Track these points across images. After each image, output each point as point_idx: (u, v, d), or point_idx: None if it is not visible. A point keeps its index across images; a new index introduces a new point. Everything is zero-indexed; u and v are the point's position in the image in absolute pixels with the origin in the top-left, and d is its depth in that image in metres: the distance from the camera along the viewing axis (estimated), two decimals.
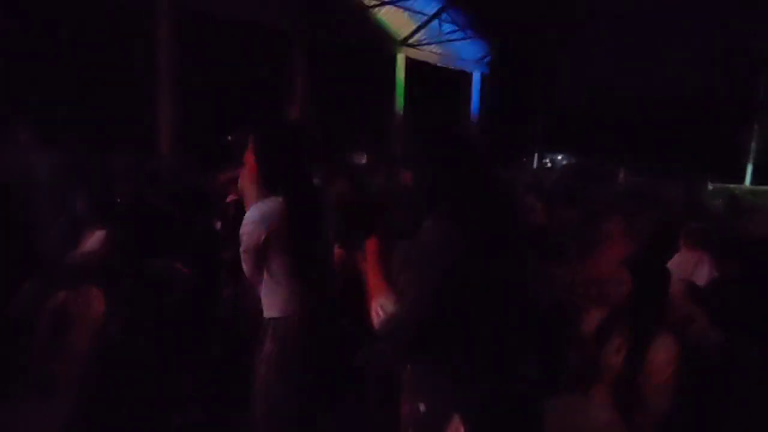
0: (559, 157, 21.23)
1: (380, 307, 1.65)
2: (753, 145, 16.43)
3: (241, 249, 2.37)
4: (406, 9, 11.66)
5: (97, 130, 8.68)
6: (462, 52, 13.73)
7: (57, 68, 9.08)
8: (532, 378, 1.72)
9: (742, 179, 16.64)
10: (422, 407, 1.71)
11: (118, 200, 4.36)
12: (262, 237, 2.29)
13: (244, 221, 2.35)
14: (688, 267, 4.13)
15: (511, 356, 1.66)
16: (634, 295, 2.39)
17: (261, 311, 2.65)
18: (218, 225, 5.14)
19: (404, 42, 12.66)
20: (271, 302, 2.43)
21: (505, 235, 1.65)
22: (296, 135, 2.51)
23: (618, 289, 2.42)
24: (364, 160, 12.26)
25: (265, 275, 2.42)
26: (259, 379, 2.43)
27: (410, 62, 13.31)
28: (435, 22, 11.97)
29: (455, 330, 1.55)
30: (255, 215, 2.32)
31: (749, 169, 16.87)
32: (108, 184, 4.67)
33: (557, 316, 2.93)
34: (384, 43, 12.58)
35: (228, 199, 6.00)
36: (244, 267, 2.42)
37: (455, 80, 16.12)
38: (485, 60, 14.45)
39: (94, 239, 3.35)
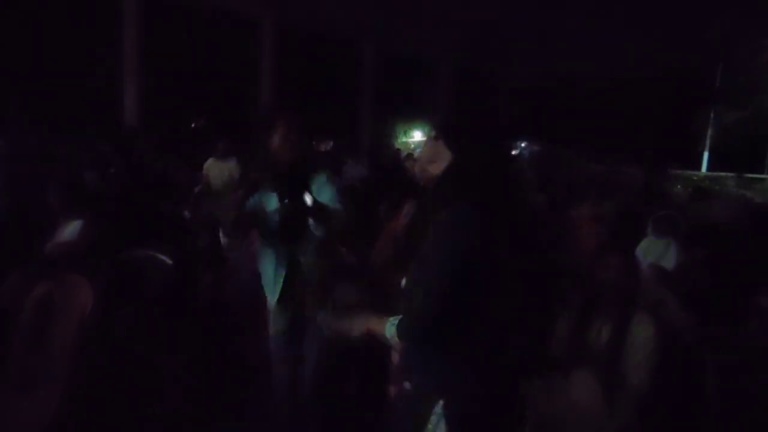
0: (523, 144, 21.43)
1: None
2: (709, 132, 16.83)
3: None
4: None
5: (61, 116, 8.45)
6: (430, 40, 13.72)
7: (19, 52, 8.80)
8: (517, 363, 1.76)
9: (698, 166, 17.08)
10: (407, 386, 1.74)
11: (93, 189, 4.29)
12: None
13: None
14: (657, 252, 4.27)
15: (501, 341, 1.70)
16: (618, 277, 2.47)
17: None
18: (186, 214, 5.10)
19: (372, 29, 12.62)
20: None
21: (518, 224, 1.69)
22: None
23: (606, 273, 2.50)
24: (329, 147, 12.21)
25: None
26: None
27: (378, 49, 13.29)
28: (404, 10, 11.90)
29: (454, 312, 1.57)
30: None
31: (705, 156, 17.33)
32: (80, 173, 4.58)
33: (537, 299, 3.01)
34: (352, 29, 12.51)
35: (196, 189, 5.95)
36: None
37: (422, 67, 16.14)
38: (453, 48, 14.48)
39: (71, 229, 3.30)
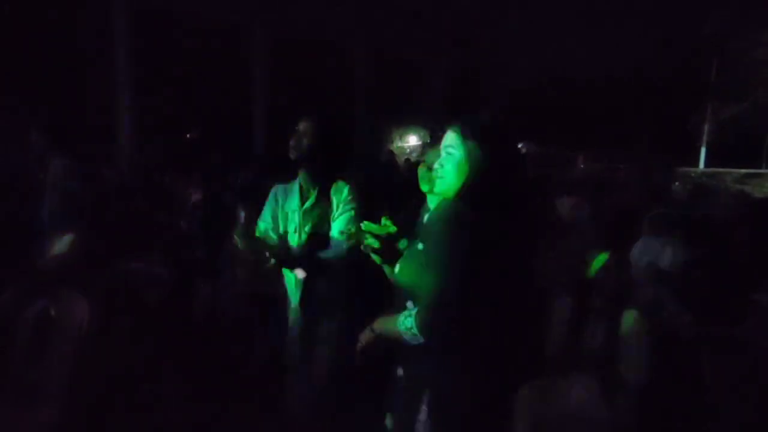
0: (519, 144, 21.40)
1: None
2: (706, 128, 16.81)
3: None
4: None
5: (53, 128, 8.42)
6: (421, 44, 13.73)
7: (10, 65, 8.79)
8: (505, 362, 1.76)
9: (696, 162, 17.07)
10: (399, 371, 1.75)
11: (84, 202, 4.28)
12: None
13: None
14: (653, 252, 4.25)
15: (495, 339, 1.70)
16: (610, 277, 2.47)
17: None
18: (184, 225, 5.10)
19: (363, 35, 12.64)
20: None
21: (526, 227, 1.69)
22: None
23: (604, 275, 2.50)
24: None
25: None
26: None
27: (369, 54, 13.31)
28: (397, 12, 11.92)
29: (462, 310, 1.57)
30: None
31: (703, 152, 17.31)
32: (71, 186, 4.57)
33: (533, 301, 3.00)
34: (343, 36, 12.53)
35: (193, 199, 5.94)
36: None
37: (414, 72, 16.14)
38: (444, 52, 14.50)
39: (61, 244, 3.28)
